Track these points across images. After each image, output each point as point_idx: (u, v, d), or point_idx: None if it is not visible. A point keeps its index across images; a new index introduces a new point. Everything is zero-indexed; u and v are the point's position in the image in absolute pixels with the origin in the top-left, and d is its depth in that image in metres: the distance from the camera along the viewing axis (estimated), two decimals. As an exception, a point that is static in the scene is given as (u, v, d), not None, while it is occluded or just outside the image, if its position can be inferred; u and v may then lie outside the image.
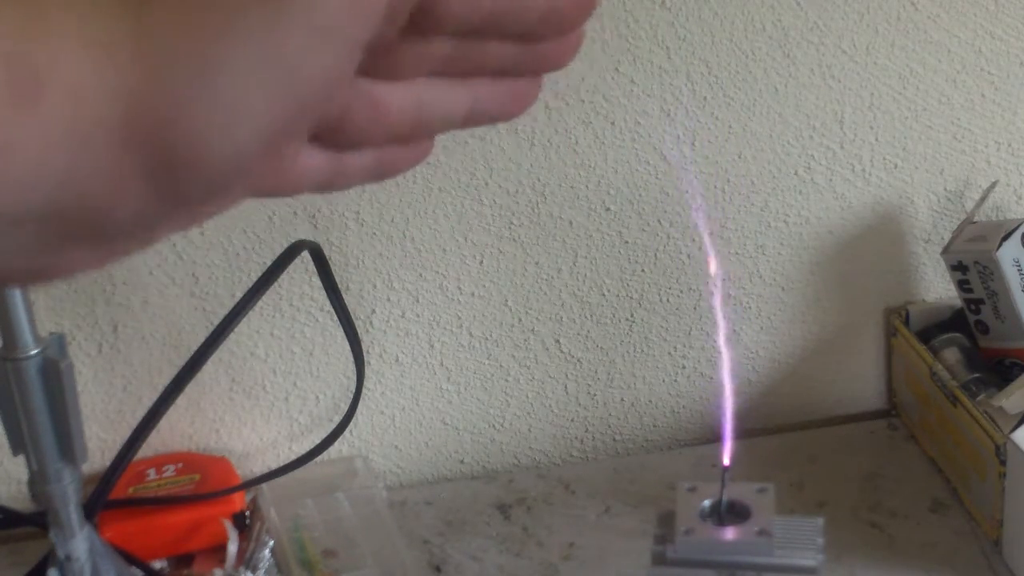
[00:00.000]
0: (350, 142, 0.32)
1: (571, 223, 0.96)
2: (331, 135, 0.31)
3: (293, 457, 0.94)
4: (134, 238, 0.30)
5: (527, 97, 0.35)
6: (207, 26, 0.27)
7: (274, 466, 0.94)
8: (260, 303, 0.88)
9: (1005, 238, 0.92)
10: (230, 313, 0.85)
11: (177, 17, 0.27)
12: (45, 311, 0.90)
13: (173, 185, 0.28)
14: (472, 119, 0.34)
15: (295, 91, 0.28)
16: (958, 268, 0.94)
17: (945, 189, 1.00)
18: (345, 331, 0.91)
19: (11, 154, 0.26)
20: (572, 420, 1.02)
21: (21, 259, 0.29)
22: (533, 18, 0.32)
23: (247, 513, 0.90)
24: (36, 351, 0.71)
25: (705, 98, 0.94)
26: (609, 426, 1.03)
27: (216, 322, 0.86)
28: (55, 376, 0.71)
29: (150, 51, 0.27)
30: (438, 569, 0.90)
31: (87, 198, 0.28)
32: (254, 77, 0.27)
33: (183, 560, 0.89)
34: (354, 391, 0.94)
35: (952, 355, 0.96)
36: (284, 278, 0.90)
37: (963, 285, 0.95)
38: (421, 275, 0.95)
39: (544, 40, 0.33)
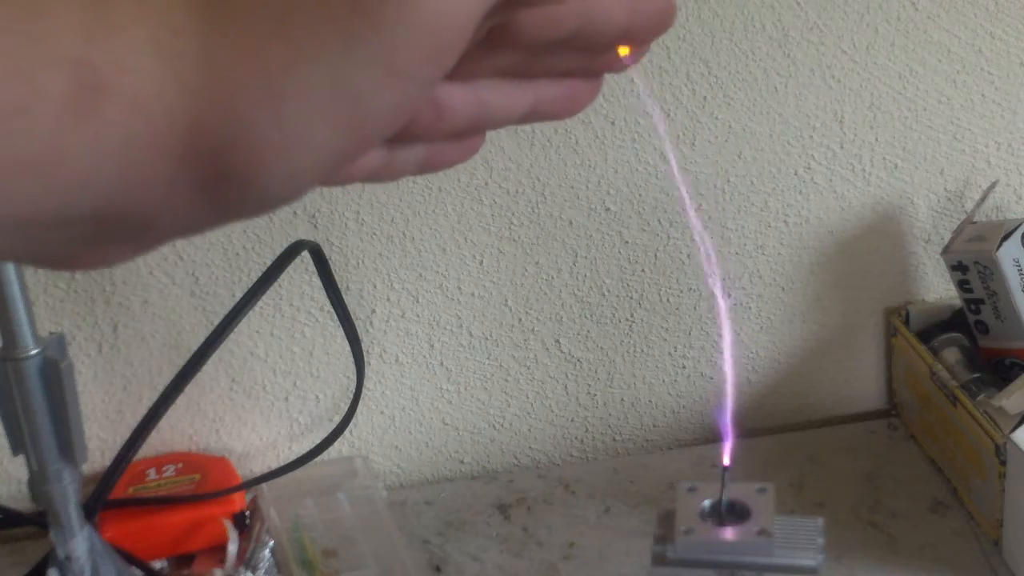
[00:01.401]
0: (407, 139, 0.32)
1: (571, 223, 0.96)
2: None
3: (293, 457, 0.94)
4: (177, 237, 0.30)
5: (586, 97, 0.34)
6: (278, 57, 0.26)
7: (274, 466, 0.94)
8: (260, 303, 0.88)
9: (1005, 238, 0.92)
10: (230, 313, 0.85)
11: (248, 43, 0.26)
12: (45, 311, 0.90)
13: (225, 200, 0.28)
14: (529, 118, 0.34)
15: (360, 124, 0.28)
16: (958, 268, 0.94)
17: (945, 189, 1.00)
18: (345, 331, 0.91)
19: (64, 161, 0.26)
20: (572, 420, 1.02)
21: (60, 251, 0.29)
22: (611, 37, 0.31)
23: (247, 513, 0.90)
24: (36, 351, 0.71)
25: (705, 98, 0.94)
26: (609, 426, 1.03)
27: (216, 322, 0.86)
28: (55, 376, 0.71)
29: (217, 74, 0.26)
30: (438, 569, 0.90)
31: (135, 205, 0.27)
32: (319, 110, 0.27)
33: (183, 560, 0.89)
34: (354, 391, 0.94)
35: (952, 355, 0.96)
36: (284, 278, 0.90)
37: (963, 285, 0.95)
38: (421, 275, 0.95)
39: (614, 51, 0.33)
